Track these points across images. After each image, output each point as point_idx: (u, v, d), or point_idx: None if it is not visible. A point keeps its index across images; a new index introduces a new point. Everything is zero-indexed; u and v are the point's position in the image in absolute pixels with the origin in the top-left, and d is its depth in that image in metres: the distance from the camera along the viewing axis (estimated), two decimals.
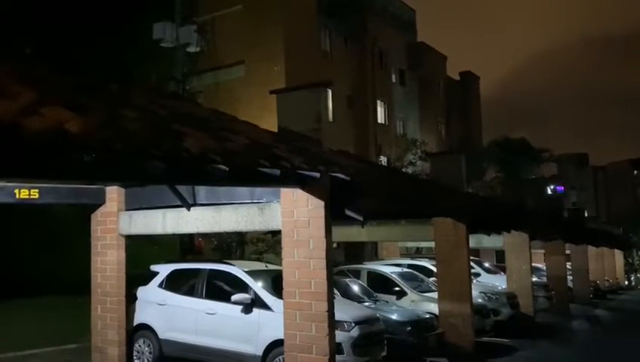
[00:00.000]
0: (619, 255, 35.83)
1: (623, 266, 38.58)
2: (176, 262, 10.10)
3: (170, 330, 8.77)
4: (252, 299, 8.06)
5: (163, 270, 9.46)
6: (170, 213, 7.47)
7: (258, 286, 8.23)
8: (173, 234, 8.79)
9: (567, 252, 21.19)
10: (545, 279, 19.03)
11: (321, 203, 6.14)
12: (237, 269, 8.67)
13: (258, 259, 13.27)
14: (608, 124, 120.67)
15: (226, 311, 8.25)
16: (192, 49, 16.37)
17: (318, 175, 5.56)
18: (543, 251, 19.76)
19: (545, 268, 20.03)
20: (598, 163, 75.66)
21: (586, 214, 37.80)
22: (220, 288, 8.69)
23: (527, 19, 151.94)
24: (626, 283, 39.10)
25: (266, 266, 9.31)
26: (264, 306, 7.95)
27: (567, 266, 21.12)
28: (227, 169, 4.29)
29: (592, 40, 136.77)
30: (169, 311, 8.90)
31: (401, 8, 35.33)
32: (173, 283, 9.21)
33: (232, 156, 4.47)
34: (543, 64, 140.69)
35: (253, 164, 4.68)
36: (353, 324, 7.92)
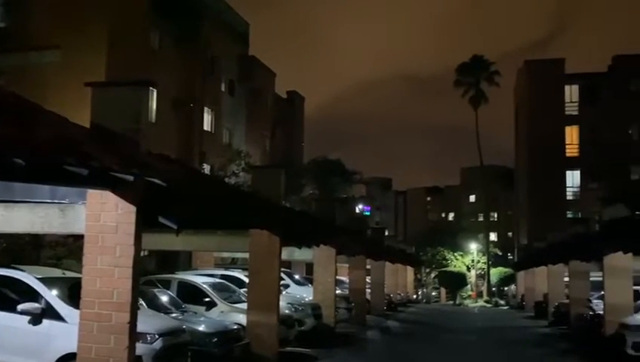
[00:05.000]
0: (410, 271, 40.26)
1: (413, 281, 43.41)
2: None
3: None
4: (42, 308, 7.30)
5: None
6: None
7: (51, 295, 7.49)
8: None
9: (368, 267, 23.16)
10: (347, 291, 20.50)
11: (133, 208, 5.85)
12: (26, 275, 7.79)
13: (56, 265, 12.05)
14: (411, 153, 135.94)
15: (10, 322, 7.34)
16: None
17: (131, 178, 5.29)
18: (347, 265, 21.28)
19: (347, 281, 21.60)
20: (399, 188, 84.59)
21: (386, 233, 41.80)
22: (5, 296, 7.73)
23: (352, 50, 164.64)
24: (415, 296, 44.03)
25: (64, 273, 8.54)
26: (57, 317, 7.25)
27: (367, 280, 23.07)
28: (24, 163, 3.87)
29: (404, 77, 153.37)
30: None
31: (235, 19, 35.53)
32: None
33: (32, 150, 4.04)
34: (362, 93, 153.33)
35: (57, 161, 4.28)
36: (156, 336, 7.63)
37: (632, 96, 41.69)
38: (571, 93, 43.94)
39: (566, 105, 43.81)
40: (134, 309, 5.87)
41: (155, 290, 10.67)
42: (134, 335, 5.91)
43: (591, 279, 18.73)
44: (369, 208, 70.03)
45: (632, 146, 41.21)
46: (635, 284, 15.43)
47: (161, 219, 6.31)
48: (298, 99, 45.41)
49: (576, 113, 43.67)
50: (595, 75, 43.49)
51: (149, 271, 15.55)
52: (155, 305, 9.74)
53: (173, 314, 9.68)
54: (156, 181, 5.55)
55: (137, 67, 22.78)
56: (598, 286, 16.43)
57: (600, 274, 15.53)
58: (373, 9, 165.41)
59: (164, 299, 10.42)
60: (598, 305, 16.47)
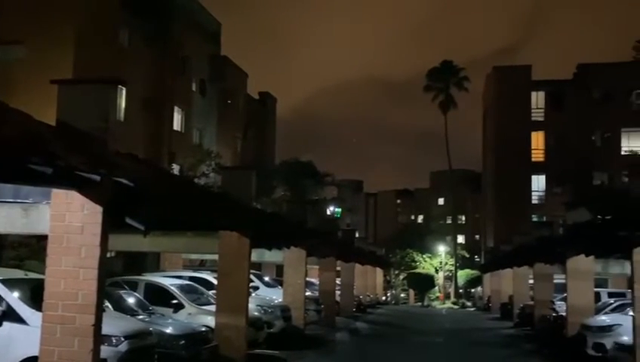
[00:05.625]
0: (380, 273, 40.55)
1: (382, 283, 43.73)
2: None
3: None
4: (3, 311, 7.11)
5: None
6: None
7: (12, 297, 7.30)
8: None
9: (338, 268, 23.25)
10: (317, 293, 20.53)
11: (99, 208, 5.76)
12: None
13: (18, 266, 11.74)
14: (383, 156, 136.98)
15: None
16: None
17: (98, 178, 5.21)
18: (317, 267, 21.31)
19: (317, 282, 21.63)
20: (371, 190, 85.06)
21: (357, 235, 41.99)
22: None
23: (324, 52, 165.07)
24: (383, 298, 44.33)
25: (26, 274, 8.34)
26: (18, 319, 7.07)
27: (337, 281, 23.15)
28: None
29: (376, 81, 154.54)
30: None
31: (207, 19, 35.24)
32: None
33: None
34: (335, 96, 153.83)
35: (21, 160, 4.19)
36: (122, 339, 7.52)
37: (595, 103, 42.96)
38: (538, 99, 45.01)
39: (532, 111, 44.85)
40: (99, 311, 5.78)
41: (122, 292, 10.51)
42: (99, 338, 5.81)
43: (555, 281, 19.22)
44: (340, 210, 70.25)
45: (595, 152, 42.46)
46: (595, 286, 15.93)
47: (129, 220, 6.23)
48: (270, 101, 45.27)
49: (542, 119, 44.76)
50: (561, 82, 44.64)
51: (116, 272, 15.30)
52: (121, 307, 9.59)
53: (140, 316, 9.56)
54: (124, 181, 5.48)
55: (106, 65, 22.39)
56: (562, 288, 16.86)
57: (563, 276, 15.94)
58: (346, 13, 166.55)
59: (131, 300, 10.27)
60: (561, 307, 16.91)
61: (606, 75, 42.20)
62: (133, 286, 11.54)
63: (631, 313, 10.46)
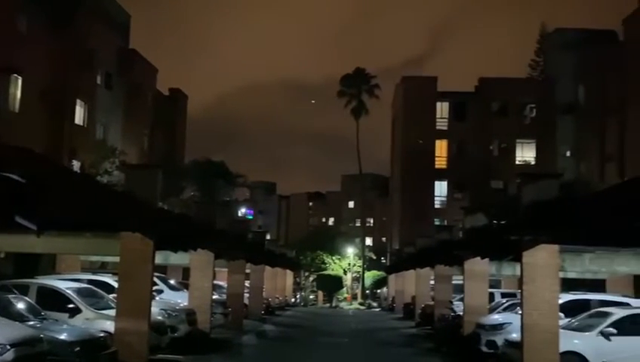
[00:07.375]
0: (290, 275, 40.69)
1: (292, 285, 43.93)
2: None
3: None
4: None
5: None
6: None
7: None
8: None
9: (248, 271, 23.04)
10: (225, 296, 20.22)
11: None
12: None
13: None
14: (296, 159, 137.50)
15: None
16: None
17: None
18: (226, 269, 20.99)
19: (226, 285, 21.30)
20: (283, 192, 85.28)
21: (268, 237, 41.83)
22: None
23: (236, 51, 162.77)
24: (293, 300, 44.54)
25: None
26: None
27: (246, 284, 22.93)
28: None
29: (289, 83, 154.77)
30: None
31: (116, 9, 33.73)
32: None
33: None
34: (246, 97, 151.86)
35: None
36: (8, 347, 7.02)
37: (493, 115, 46.18)
38: (442, 109, 47.50)
39: (437, 120, 47.25)
40: None
41: (10, 296, 9.81)
42: None
43: (453, 282, 20.28)
44: (252, 212, 69.83)
45: (492, 161, 45.52)
46: (490, 287, 17.00)
47: (19, 219, 5.82)
48: (181, 98, 44.06)
49: (445, 128, 47.27)
50: (464, 94, 47.48)
51: (6, 275, 14.21)
52: (9, 312, 8.96)
53: (30, 323, 8.95)
54: (14, 177, 5.11)
55: (2, 51, 20.68)
56: (460, 289, 17.83)
57: (461, 277, 16.86)
58: (261, 13, 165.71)
59: (20, 305, 9.61)
60: (458, 307, 17.86)
61: (504, 89, 45.47)
62: (23, 291, 10.80)
63: (520, 312, 11.26)
